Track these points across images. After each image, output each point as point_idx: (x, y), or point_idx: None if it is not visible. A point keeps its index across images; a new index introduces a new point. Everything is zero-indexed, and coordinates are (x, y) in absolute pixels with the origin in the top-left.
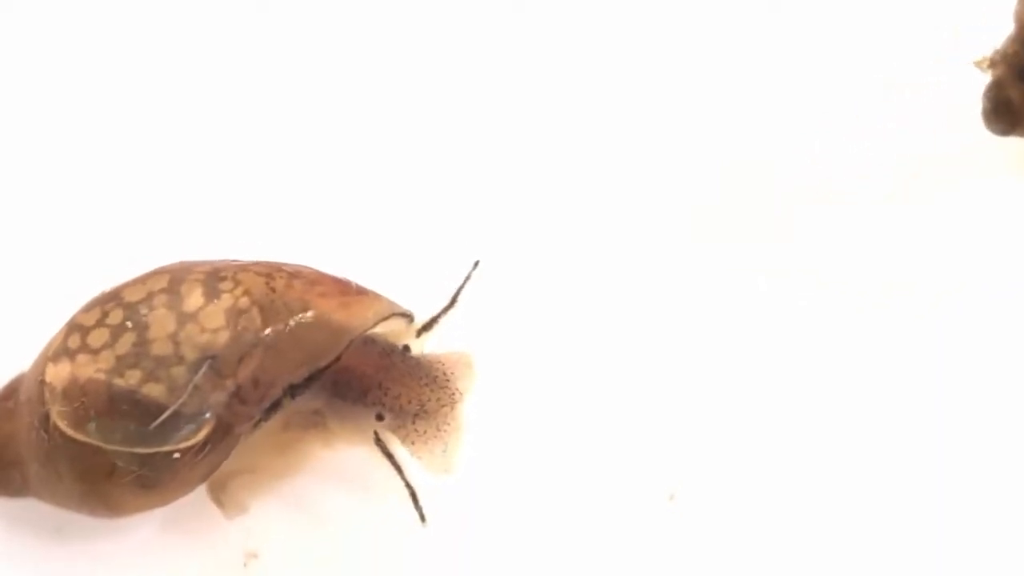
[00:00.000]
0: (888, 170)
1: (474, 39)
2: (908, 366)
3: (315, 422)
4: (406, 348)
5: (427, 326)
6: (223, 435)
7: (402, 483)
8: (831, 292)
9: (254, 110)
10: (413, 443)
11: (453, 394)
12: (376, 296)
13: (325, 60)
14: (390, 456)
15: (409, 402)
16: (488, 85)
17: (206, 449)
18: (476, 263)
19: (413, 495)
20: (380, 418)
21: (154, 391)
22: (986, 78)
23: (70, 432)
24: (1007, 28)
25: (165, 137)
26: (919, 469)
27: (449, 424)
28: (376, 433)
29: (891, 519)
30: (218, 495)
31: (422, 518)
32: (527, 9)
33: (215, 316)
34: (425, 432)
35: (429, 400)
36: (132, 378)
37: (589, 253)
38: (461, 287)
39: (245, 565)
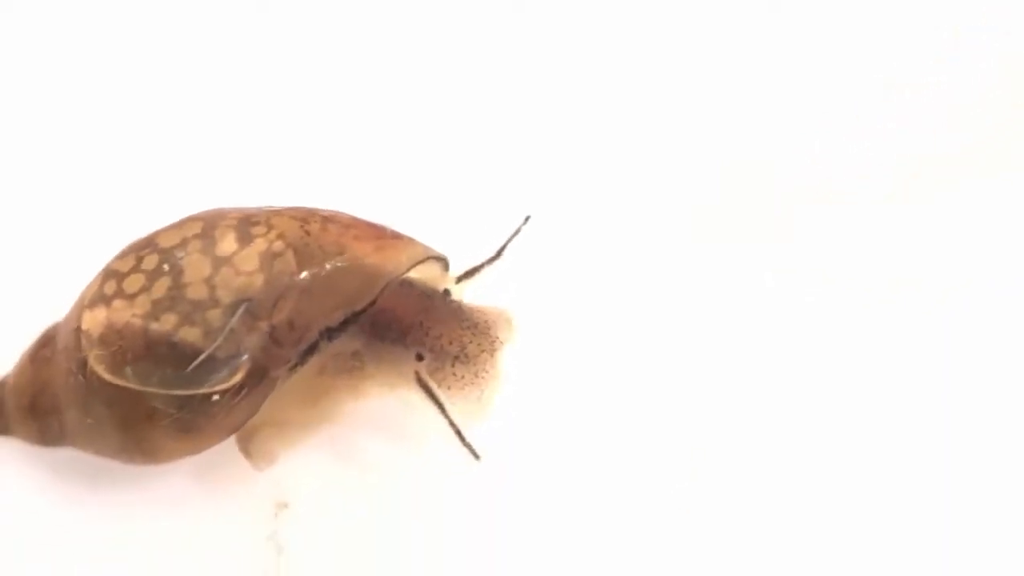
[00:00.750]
0: (888, 170)
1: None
2: (914, 361)
3: (351, 366)
4: (446, 292)
5: (468, 274)
6: (259, 378)
7: (445, 422)
8: (837, 289)
9: (289, 59)
10: (450, 387)
11: (494, 341)
12: (411, 240)
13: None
14: (432, 395)
15: (450, 343)
16: (503, 79)
17: (243, 392)
18: (527, 218)
19: (459, 433)
20: (420, 358)
21: (190, 335)
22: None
23: (108, 377)
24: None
25: (196, 86)
26: (925, 463)
27: (488, 371)
28: (417, 373)
29: (897, 512)
30: (246, 446)
31: (475, 455)
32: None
33: (249, 259)
34: (463, 377)
35: (470, 343)
36: (168, 322)
37: (600, 251)
38: (508, 241)
39: (276, 515)
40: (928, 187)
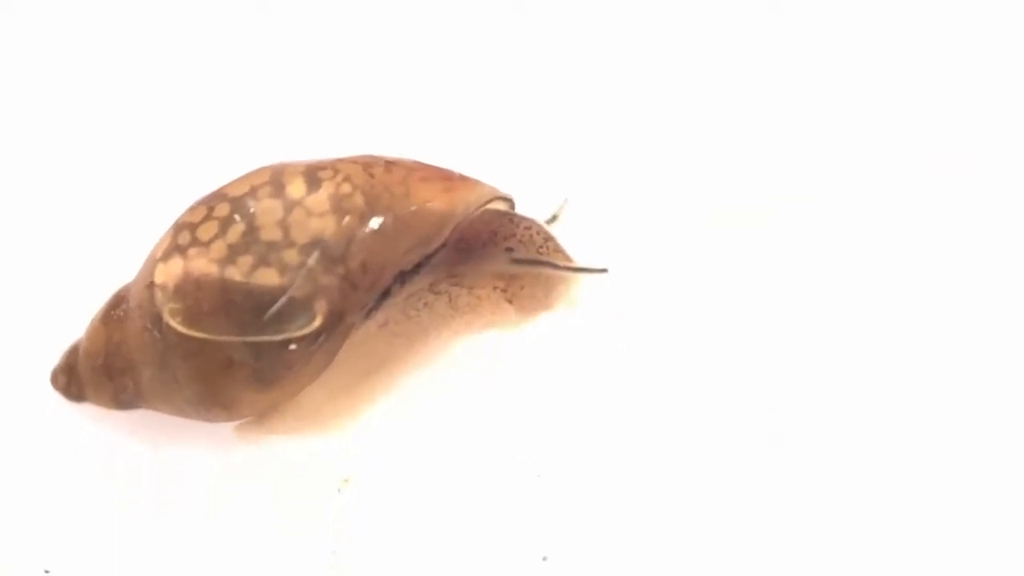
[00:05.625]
0: (889, 170)
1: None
2: (912, 364)
3: (425, 303)
4: None
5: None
6: (336, 323)
7: (557, 270)
8: (834, 290)
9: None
10: (522, 288)
11: (559, 248)
12: (477, 181)
13: None
14: (535, 261)
15: (538, 233)
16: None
17: (320, 339)
18: (566, 199)
19: (575, 267)
20: (510, 250)
21: (266, 276)
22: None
23: (184, 329)
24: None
25: (252, 55)
26: (933, 464)
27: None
28: (512, 259)
29: (907, 507)
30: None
31: (602, 270)
32: None
33: (320, 202)
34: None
35: (549, 239)
36: (244, 264)
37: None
38: (561, 208)
39: (339, 491)
40: (928, 187)
